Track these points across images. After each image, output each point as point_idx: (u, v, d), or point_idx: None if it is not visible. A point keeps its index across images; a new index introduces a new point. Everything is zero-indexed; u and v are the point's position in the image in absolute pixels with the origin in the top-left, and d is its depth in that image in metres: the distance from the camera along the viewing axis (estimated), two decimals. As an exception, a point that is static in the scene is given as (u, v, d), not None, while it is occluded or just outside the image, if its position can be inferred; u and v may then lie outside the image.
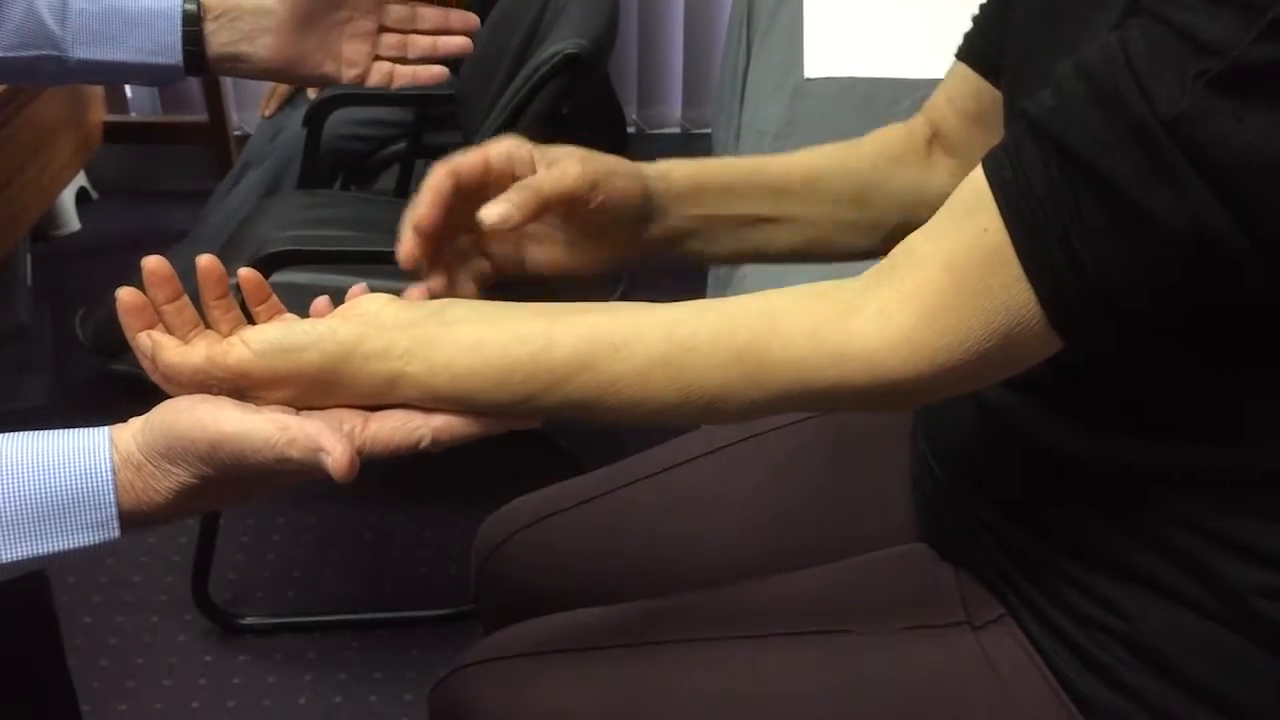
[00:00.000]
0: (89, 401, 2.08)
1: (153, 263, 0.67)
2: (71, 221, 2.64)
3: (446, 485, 2.00)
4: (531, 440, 2.19)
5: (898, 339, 0.62)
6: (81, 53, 0.90)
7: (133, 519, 0.64)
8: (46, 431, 0.64)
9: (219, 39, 0.91)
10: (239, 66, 0.92)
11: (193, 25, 0.90)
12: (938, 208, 0.67)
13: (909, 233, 0.66)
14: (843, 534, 0.90)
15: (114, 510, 0.63)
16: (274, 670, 1.69)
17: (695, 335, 0.64)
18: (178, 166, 2.76)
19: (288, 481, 0.67)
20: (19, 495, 0.62)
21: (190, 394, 0.65)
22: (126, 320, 0.66)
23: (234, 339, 0.65)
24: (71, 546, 0.63)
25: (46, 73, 0.91)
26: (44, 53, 0.89)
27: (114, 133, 2.57)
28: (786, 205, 0.86)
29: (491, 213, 0.72)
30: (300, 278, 1.51)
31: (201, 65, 0.91)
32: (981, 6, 0.88)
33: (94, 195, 2.74)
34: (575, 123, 1.58)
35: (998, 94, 0.85)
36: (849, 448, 0.94)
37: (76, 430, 0.64)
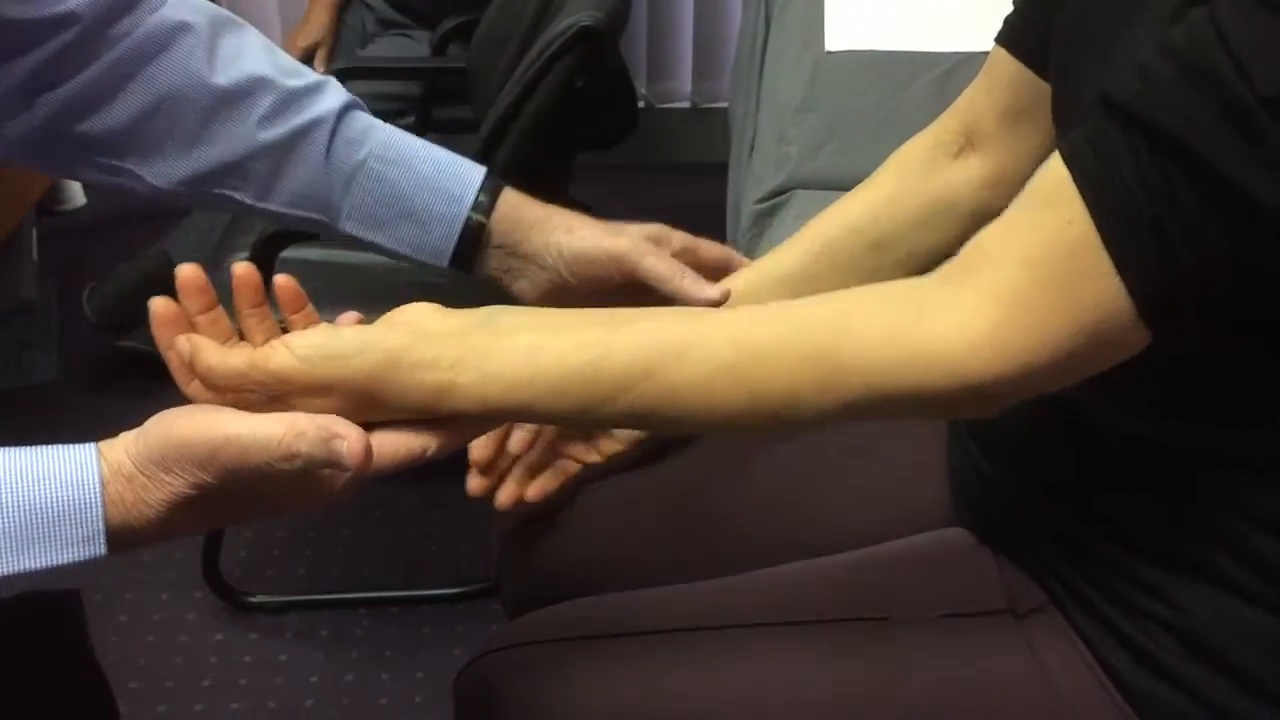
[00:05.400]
0: (97, 378, 2.06)
1: (187, 272, 0.66)
2: (77, 196, 2.62)
3: (458, 463, 1.98)
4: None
5: (978, 340, 0.60)
6: (351, 228, 0.86)
7: (121, 536, 0.61)
8: (30, 447, 0.61)
9: (490, 264, 0.87)
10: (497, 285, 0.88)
11: (470, 243, 0.85)
12: (969, 221, 0.65)
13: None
14: (875, 516, 0.88)
15: (101, 526, 0.60)
16: (285, 648, 1.68)
17: (762, 340, 0.62)
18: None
19: (288, 499, 0.64)
20: (1, 507, 0.59)
21: (224, 403, 0.62)
22: (160, 332, 0.65)
23: (276, 343, 0.63)
24: (55, 563, 0.60)
25: (309, 229, 0.88)
26: (316, 216, 0.86)
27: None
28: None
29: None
30: (311, 254, 1.49)
31: (467, 269, 0.87)
32: None
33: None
34: (586, 98, 1.56)
35: (1037, 83, 0.83)
36: (880, 440, 0.92)
37: (62, 445, 0.61)
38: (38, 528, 0.59)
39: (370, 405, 0.63)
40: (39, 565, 0.60)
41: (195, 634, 1.69)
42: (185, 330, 0.65)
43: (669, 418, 0.63)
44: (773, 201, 1.50)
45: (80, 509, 0.60)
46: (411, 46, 2.21)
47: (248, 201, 0.85)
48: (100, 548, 0.60)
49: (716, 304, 0.81)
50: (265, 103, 0.83)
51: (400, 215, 0.85)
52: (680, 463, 0.93)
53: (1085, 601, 0.74)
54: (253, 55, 0.85)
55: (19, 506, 0.59)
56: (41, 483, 0.59)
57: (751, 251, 1.54)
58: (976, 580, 0.79)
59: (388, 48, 2.21)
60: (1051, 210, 0.60)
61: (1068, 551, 0.75)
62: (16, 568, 0.59)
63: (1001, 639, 0.76)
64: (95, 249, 2.38)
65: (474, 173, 0.86)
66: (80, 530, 0.60)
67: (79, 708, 0.90)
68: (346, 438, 0.60)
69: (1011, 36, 0.86)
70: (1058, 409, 0.75)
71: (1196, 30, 0.56)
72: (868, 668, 0.76)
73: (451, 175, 0.85)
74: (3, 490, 0.59)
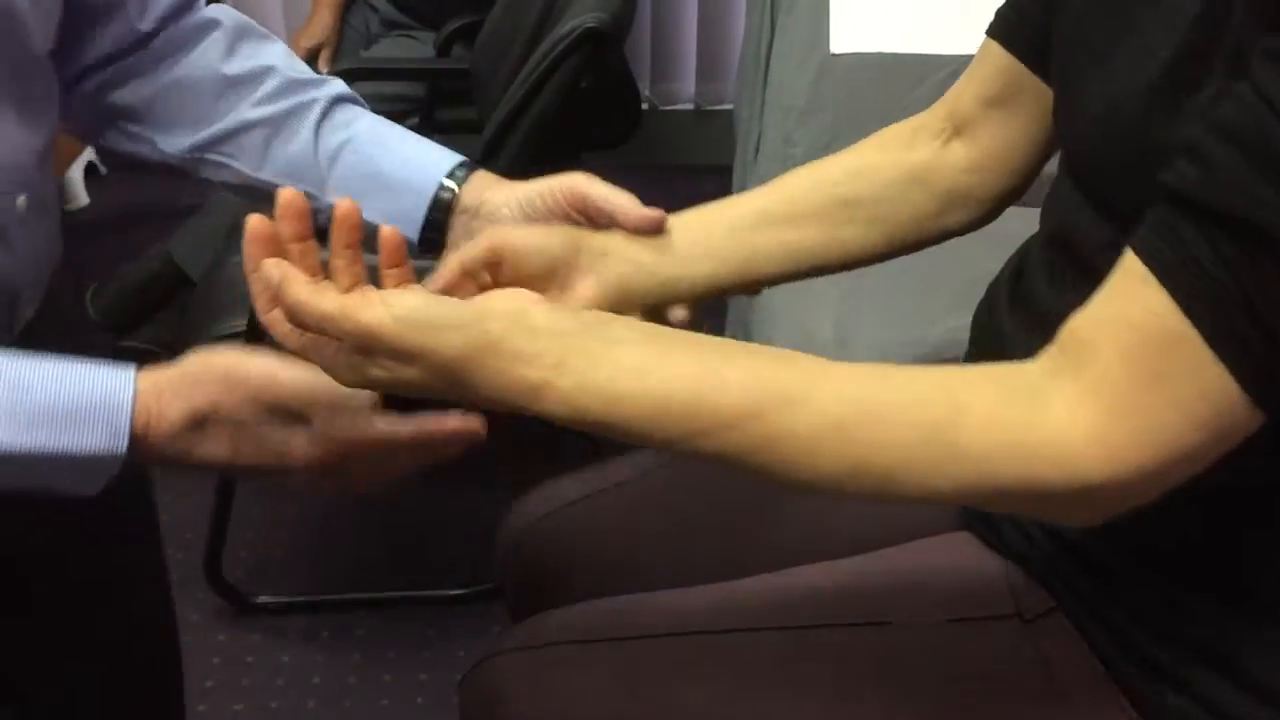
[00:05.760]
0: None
1: (289, 194, 0.64)
2: (80, 196, 2.62)
3: (461, 462, 1.98)
4: (548, 421, 2.17)
5: (1090, 437, 0.57)
6: (333, 200, 0.88)
7: (141, 442, 0.65)
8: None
9: (455, 232, 0.88)
10: None
11: (442, 211, 0.88)
12: (944, 199, 0.64)
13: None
14: (881, 520, 0.88)
15: (126, 425, 0.65)
16: (287, 649, 1.68)
17: (876, 403, 0.59)
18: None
19: (292, 458, 0.68)
20: (41, 387, 0.65)
21: (298, 343, 0.62)
22: (250, 248, 0.63)
23: (373, 295, 0.60)
24: (80, 449, 0.65)
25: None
26: (305, 189, 0.86)
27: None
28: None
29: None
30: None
31: (435, 250, 0.89)
32: None
33: (102, 170, 2.72)
34: (590, 100, 1.56)
35: (1025, 75, 0.83)
36: None
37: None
38: (71, 412, 0.65)
39: (454, 384, 0.60)
40: (65, 447, 0.65)
41: (197, 635, 1.68)
42: (276, 253, 0.62)
43: (767, 465, 0.60)
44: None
45: (112, 404, 0.65)
46: (415, 47, 2.20)
47: (245, 170, 0.90)
48: (122, 444, 0.65)
49: (658, 226, 0.80)
50: (268, 86, 0.89)
51: (378, 187, 0.88)
52: (685, 467, 0.93)
53: (1094, 608, 0.73)
54: (268, 55, 0.91)
55: (58, 390, 0.65)
56: (83, 376, 0.66)
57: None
58: (982, 584, 0.79)
59: (391, 49, 2.21)
60: (1137, 304, 0.58)
61: (1077, 560, 0.74)
62: (44, 445, 0.64)
63: (1009, 644, 0.75)
64: (99, 249, 2.38)
65: (453, 156, 0.90)
66: (107, 425, 0.65)
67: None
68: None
69: (1003, 28, 0.86)
70: None
71: (1246, 108, 0.55)
72: (871, 672, 0.76)
73: (430, 153, 0.90)
74: (47, 376, 0.65)
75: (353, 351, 0.60)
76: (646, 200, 0.82)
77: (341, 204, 0.64)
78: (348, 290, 0.62)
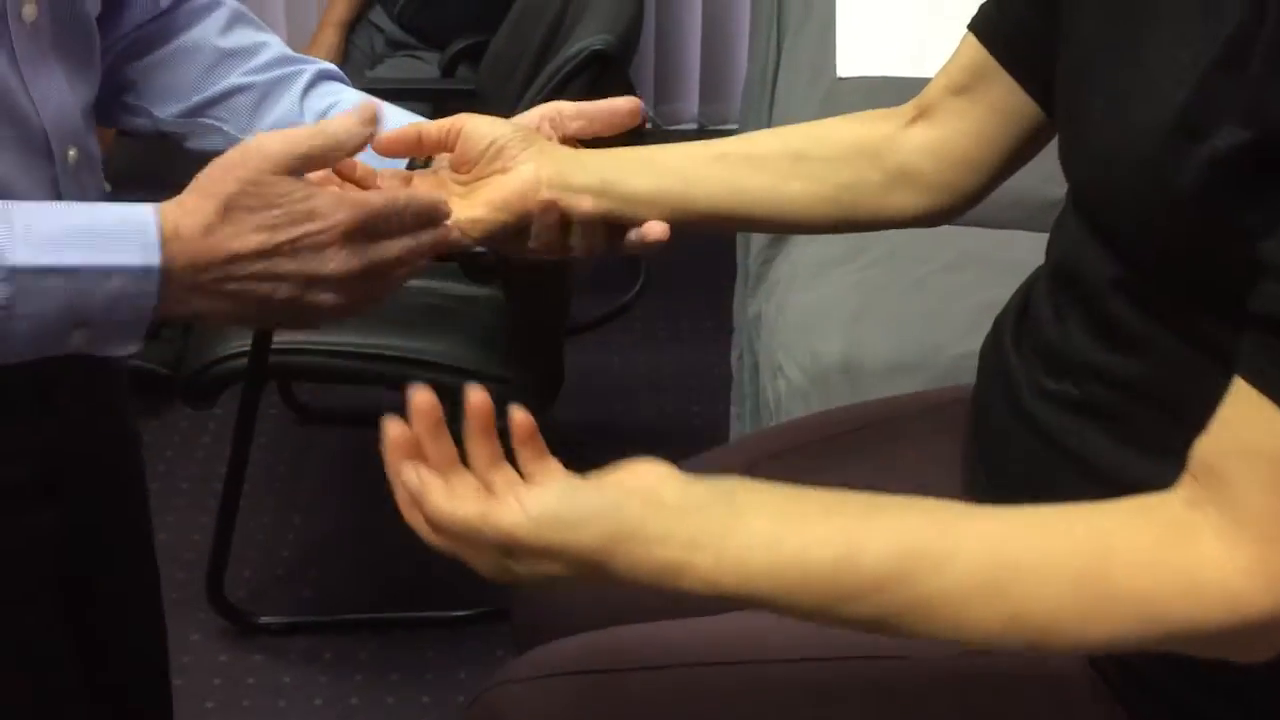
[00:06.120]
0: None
1: (422, 397, 0.64)
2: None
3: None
4: (547, 441, 2.17)
5: (1248, 569, 0.56)
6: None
7: (172, 244, 0.68)
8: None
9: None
10: None
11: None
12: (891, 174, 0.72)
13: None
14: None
15: (155, 236, 0.68)
16: (289, 670, 1.67)
17: (1025, 556, 0.58)
18: (192, 159, 2.73)
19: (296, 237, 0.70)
20: (69, 213, 0.69)
21: (444, 546, 0.64)
22: (390, 456, 0.64)
23: (510, 499, 0.61)
24: (116, 262, 0.67)
25: None
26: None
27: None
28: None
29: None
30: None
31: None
32: None
33: (108, 188, 2.71)
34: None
35: (996, 71, 0.84)
36: (899, 456, 0.92)
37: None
38: (101, 231, 0.68)
39: (596, 574, 0.61)
40: (102, 261, 0.67)
41: (199, 655, 1.68)
42: (414, 455, 0.63)
43: (914, 628, 0.59)
44: (784, 228, 1.50)
45: (137, 220, 0.69)
46: (420, 68, 2.21)
47: (233, 134, 0.92)
48: (155, 254, 0.68)
49: (632, 112, 0.87)
50: (261, 58, 0.92)
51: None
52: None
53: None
54: (265, 37, 0.94)
55: (87, 214, 0.70)
56: (105, 208, 0.70)
57: (761, 279, 1.54)
58: None
59: (396, 69, 2.22)
60: (1262, 432, 0.57)
61: None
62: (80, 261, 0.67)
63: (1020, 671, 0.74)
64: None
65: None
66: (138, 236, 0.68)
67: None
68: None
69: (983, 23, 0.86)
70: (1064, 455, 0.74)
71: None
72: (885, 707, 0.76)
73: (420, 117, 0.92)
74: (73, 209, 0.71)
75: (496, 552, 0.61)
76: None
77: (474, 398, 0.65)
78: (487, 473, 0.63)
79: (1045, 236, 0.84)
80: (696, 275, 2.38)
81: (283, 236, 0.70)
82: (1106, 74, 0.70)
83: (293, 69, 0.92)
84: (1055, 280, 0.78)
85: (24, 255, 0.66)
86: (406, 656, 1.69)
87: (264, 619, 1.72)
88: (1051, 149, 0.90)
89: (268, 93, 0.91)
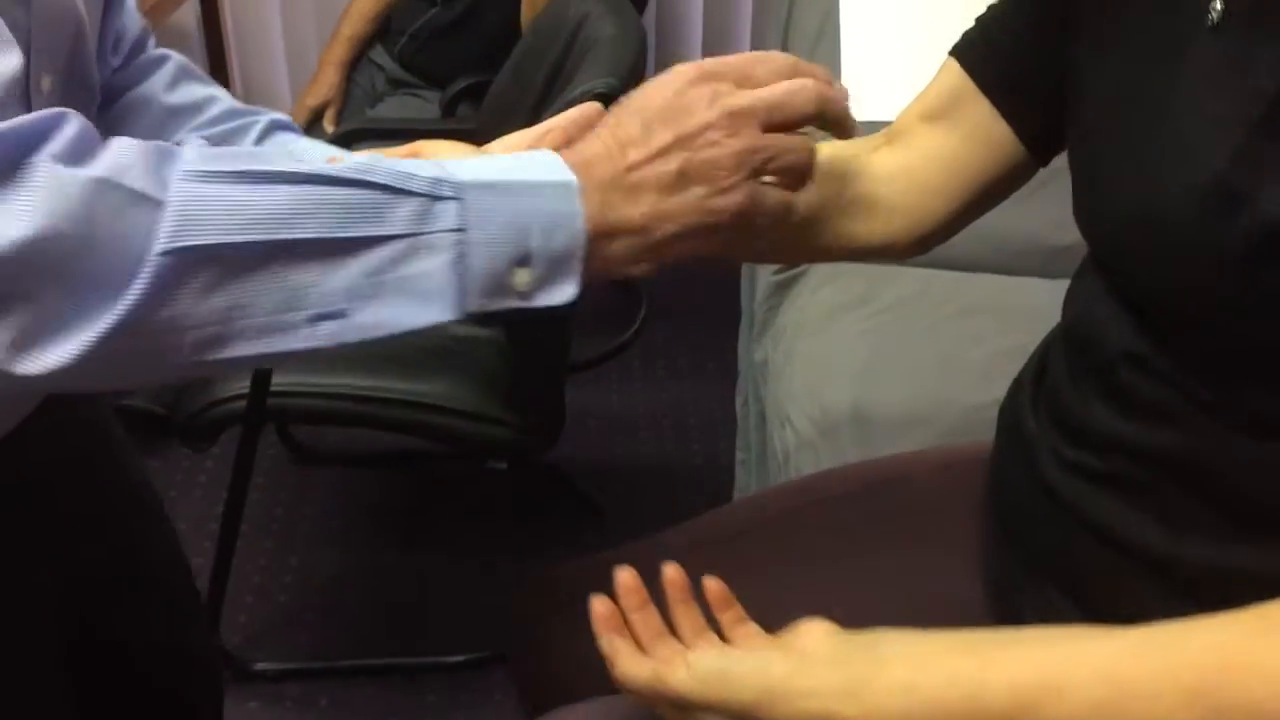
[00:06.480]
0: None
1: (626, 578, 0.72)
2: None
3: (461, 527, 1.96)
4: (546, 480, 2.17)
5: None
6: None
7: (580, 169, 0.65)
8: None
9: None
10: None
11: None
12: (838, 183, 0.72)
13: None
14: (903, 611, 0.86)
15: (558, 158, 0.65)
16: (286, 717, 1.65)
17: (1136, 676, 0.59)
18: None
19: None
20: (474, 160, 0.66)
21: (639, 701, 0.70)
22: (597, 628, 0.71)
23: (679, 660, 0.68)
24: (542, 177, 0.64)
25: None
26: None
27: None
28: None
29: None
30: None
31: None
32: (993, 11, 0.84)
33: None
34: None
35: (974, 97, 0.82)
36: (912, 517, 0.90)
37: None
38: (508, 161, 0.65)
39: None
40: (529, 177, 0.64)
41: (193, 702, 1.65)
42: (619, 628, 0.71)
43: None
44: (790, 273, 1.49)
45: (534, 154, 0.67)
46: (421, 106, 2.20)
47: None
48: (566, 170, 0.65)
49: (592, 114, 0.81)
50: (211, 113, 0.91)
51: None
52: (701, 554, 0.90)
53: None
54: (212, 91, 0.93)
55: (484, 158, 0.68)
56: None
57: (768, 324, 1.52)
58: None
59: (397, 107, 2.21)
60: None
61: None
62: (515, 176, 0.64)
63: None
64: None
65: None
66: (543, 159, 0.65)
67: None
68: None
69: (968, 51, 0.85)
70: (1080, 522, 0.73)
71: None
72: None
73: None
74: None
75: (672, 708, 0.69)
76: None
77: (669, 571, 0.73)
78: (692, 636, 0.71)
79: (1058, 284, 0.82)
80: (696, 312, 2.38)
81: (661, 125, 0.67)
82: (1128, 128, 0.68)
83: (243, 121, 0.91)
84: (1071, 340, 0.76)
85: (467, 172, 0.63)
86: (404, 702, 1.67)
87: (260, 665, 1.70)
88: (1063, 194, 0.89)
89: (220, 145, 0.89)
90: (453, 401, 1.52)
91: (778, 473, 1.30)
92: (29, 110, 0.71)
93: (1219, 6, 0.64)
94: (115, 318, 0.56)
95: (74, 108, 0.78)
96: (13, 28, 0.64)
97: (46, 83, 0.74)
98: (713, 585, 0.72)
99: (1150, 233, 0.65)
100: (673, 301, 2.45)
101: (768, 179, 0.70)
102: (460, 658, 1.71)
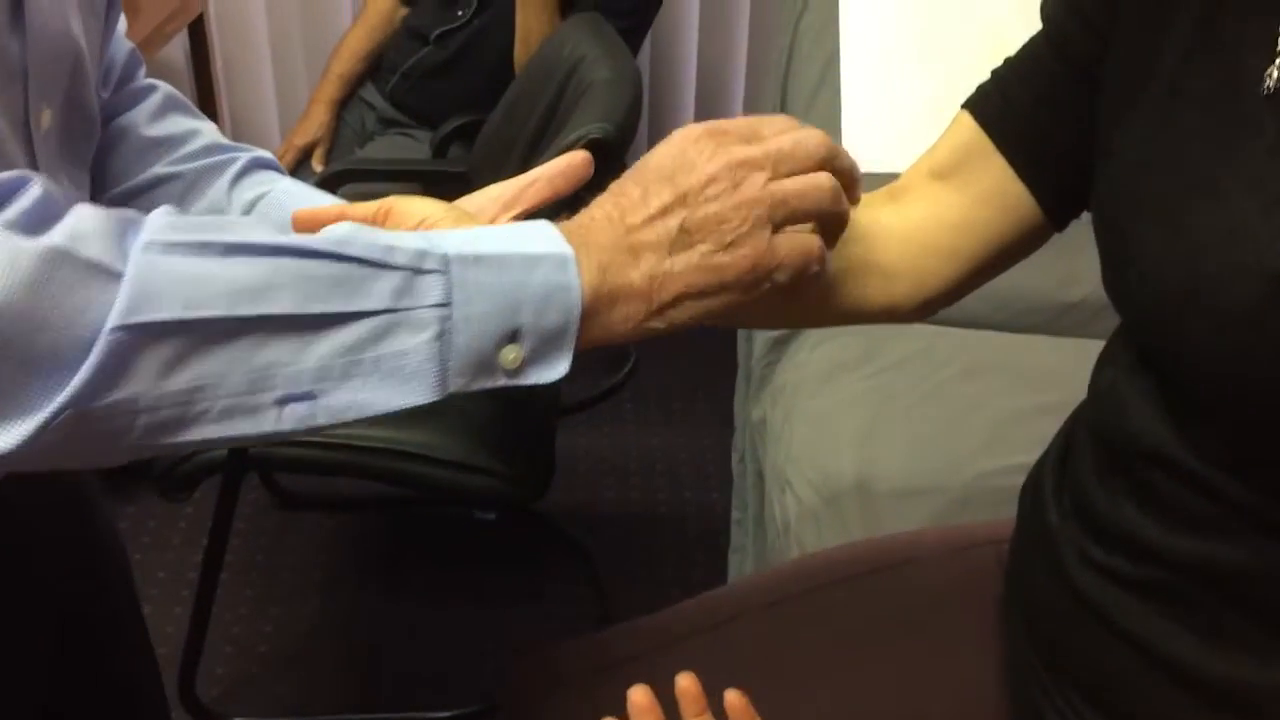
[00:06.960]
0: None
1: (640, 697, 0.69)
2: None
3: (448, 575, 1.92)
4: (535, 526, 2.13)
5: None
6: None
7: (573, 235, 0.62)
8: None
9: None
10: None
11: None
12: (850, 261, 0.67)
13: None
14: (917, 710, 0.82)
15: (555, 230, 0.62)
16: (263, 773, 1.60)
17: None
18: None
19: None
20: (469, 231, 0.63)
21: None
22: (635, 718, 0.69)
23: None
24: (537, 249, 0.60)
25: None
26: None
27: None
28: None
29: None
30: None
31: None
32: (1011, 64, 0.79)
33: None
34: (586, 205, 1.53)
35: (985, 153, 0.78)
36: (928, 614, 0.86)
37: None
38: (502, 230, 0.62)
39: None
40: (524, 249, 0.60)
41: (168, 758, 1.60)
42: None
43: None
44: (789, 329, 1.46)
45: (530, 224, 0.62)
46: (412, 146, 2.18)
47: None
48: (563, 243, 0.61)
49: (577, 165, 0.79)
50: (191, 147, 0.88)
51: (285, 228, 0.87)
52: (701, 641, 0.87)
53: None
54: (197, 124, 0.91)
55: (480, 229, 0.64)
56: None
57: (765, 381, 1.49)
58: None
59: (387, 147, 2.19)
60: None
61: None
62: (507, 248, 0.60)
63: None
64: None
65: None
66: (539, 230, 0.61)
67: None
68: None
69: (983, 105, 0.79)
70: (1107, 627, 0.69)
71: None
72: None
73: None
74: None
75: None
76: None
77: (681, 682, 0.70)
78: None
79: (1065, 342, 0.78)
80: (689, 354, 2.35)
81: (660, 185, 0.64)
82: (1167, 201, 0.64)
83: (223, 157, 0.88)
84: (1096, 436, 0.71)
85: (453, 244, 0.59)
86: (386, 758, 1.63)
87: (237, 719, 1.65)
88: (1072, 247, 0.85)
89: (195, 182, 0.88)
90: (440, 451, 1.48)
91: (777, 539, 1.26)
92: (29, 144, 0.70)
93: (1276, 74, 0.60)
94: (66, 397, 0.52)
95: (76, 141, 0.77)
96: (8, 61, 0.62)
97: (46, 116, 0.71)
98: (734, 699, 0.69)
99: (1201, 319, 0.60)
100: (664, 343, 2.42)
101: (798, 228, 0.65)
102: (447, 713, 1.67)
